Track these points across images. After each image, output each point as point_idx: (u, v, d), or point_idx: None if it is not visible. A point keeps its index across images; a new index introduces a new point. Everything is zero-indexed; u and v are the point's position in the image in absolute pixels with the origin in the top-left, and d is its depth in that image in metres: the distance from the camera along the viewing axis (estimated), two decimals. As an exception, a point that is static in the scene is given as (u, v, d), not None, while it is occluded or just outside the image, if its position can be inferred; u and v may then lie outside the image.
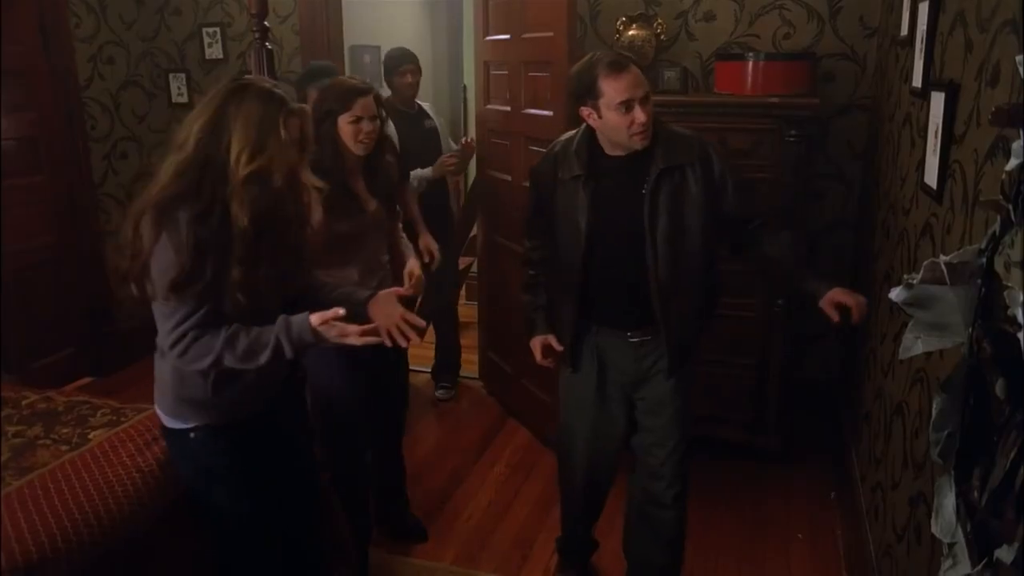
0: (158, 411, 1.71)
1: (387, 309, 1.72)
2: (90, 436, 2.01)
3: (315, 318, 1.55)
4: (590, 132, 1.95)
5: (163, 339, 1.57)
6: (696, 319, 2.02)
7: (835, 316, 1.82)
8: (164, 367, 1.65)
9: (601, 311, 2.02)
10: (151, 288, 1.51)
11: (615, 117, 1.83)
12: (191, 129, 1.53)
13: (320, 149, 2.01)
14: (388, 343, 1.68)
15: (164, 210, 1.49)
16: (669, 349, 1.98)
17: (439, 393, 3.73)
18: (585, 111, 1.89)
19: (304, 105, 1.67)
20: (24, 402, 2.23)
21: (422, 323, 1.74)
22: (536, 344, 2.12)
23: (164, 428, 1.72)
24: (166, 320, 1.55)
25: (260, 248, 1.54)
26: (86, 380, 3.80)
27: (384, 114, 2.21)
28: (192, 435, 1.66)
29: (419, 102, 3.46)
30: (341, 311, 1.56)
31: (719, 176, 1.94)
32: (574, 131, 2.03)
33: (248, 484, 1.72)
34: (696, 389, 2.20)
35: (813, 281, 1.91)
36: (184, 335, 1.53)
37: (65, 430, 2.05)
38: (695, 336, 2.05)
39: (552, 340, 2.09)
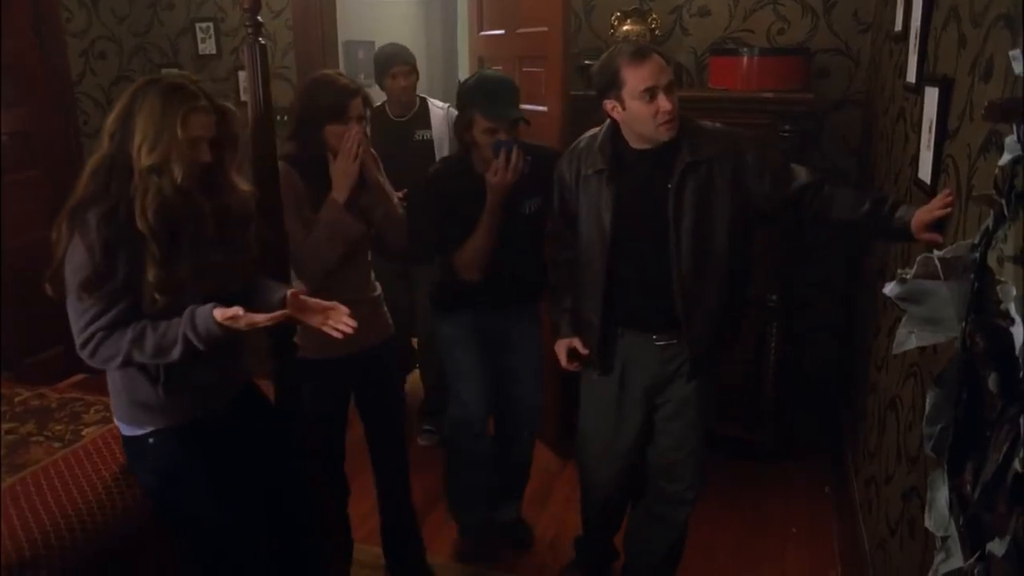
0: (115, 419, 1.70)
1: (306, 306, 1.69)
2: (83, 433, 2.01)
3: (218, 313, 1.52)
4: (614, 127, 1.92)
5: (75, 338, 1.56)
6: (721, 318, 1.95)
7: (938, 239, 1.51)
8: (114, 373, 1.64)
9: (625, 312, 1.98)
10: (64, 288, 1.54)
11: (639, 106, 1.79)
12: (104, 126, 1.56)
13: (304, 149, 2.03)
14: (338, 335, 1.67)
15: (75, 211, 1.52)
16: (692, 350, 1.94)
17: (422, 439, 3.30)
18: (609, 104, 1.86)
19: (228, 105, 1.66)
20: (17, 399, 2.22)
21: (345, 308, 1.69)
22: (561, 347, 2.09)
23: (122, 437, 1.71)
24: (77, 319, 1.55)
25: (177, 245, 1.54)
26: (79, 377, 3.77)
27: (368, 113, 2.13)
28: (150, 440, 1.65)
29: (432, 102, 3.15)
30: (240, 310, 1.52)
31: (756, 170, 1.86)
32: (598, 128, 1.99)
33: (212, 486, 1.69)
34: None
35: (893, 222, 1.65)
36: (93, 335, 1.54)
37: (58, 427, 2.05)
38: (720, 336, 1.98)
39: (577, 343, 2.06)
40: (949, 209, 1.48)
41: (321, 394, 2.12)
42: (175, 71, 1.64)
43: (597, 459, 2.15)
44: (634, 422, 2.05)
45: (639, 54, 1.80)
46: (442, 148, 3.06)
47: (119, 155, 1.54)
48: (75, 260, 1.51)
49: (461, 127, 2.20)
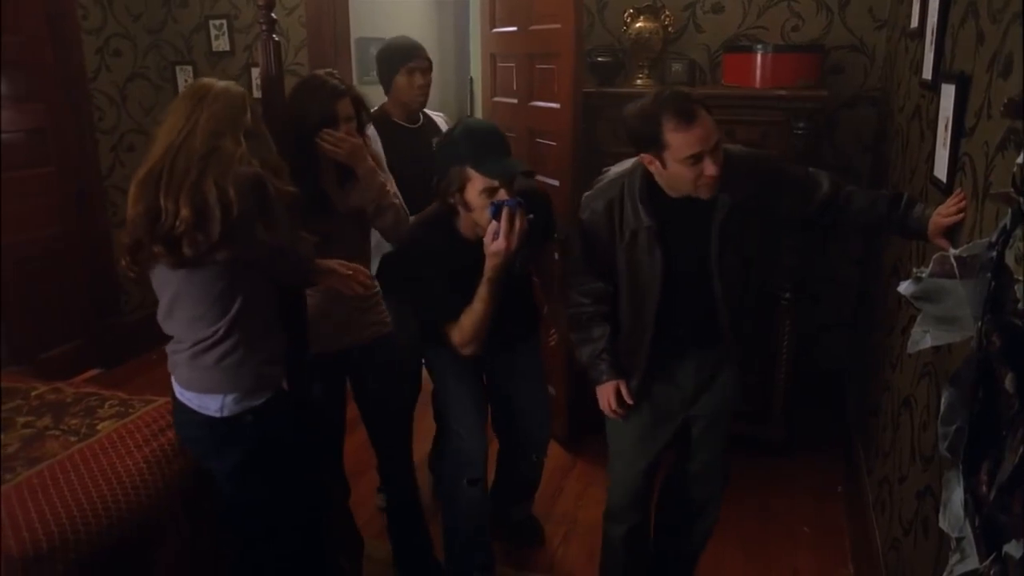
0: (214, 402, 1.67)
1: (333, 268, 1.85)
2: (98, 427, 2.02)
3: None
4: (648, 176, 1.76)
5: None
6: (753, 319, 1.98)
7: (949, 247, 1.47)
8: (228, 346, 1.64)
9: (670, 339, 1.88)
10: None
11: (683, 170, 1.65)
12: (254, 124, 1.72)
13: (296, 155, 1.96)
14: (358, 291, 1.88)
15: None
16: (734, 351, 1.92)
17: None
18: (647, 159, 1.70)
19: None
20: (33, 393, 2.24)
21: (363, 268, 1.90)
22: (607, 392, 1.89)
23: (214, 421, 1.68)
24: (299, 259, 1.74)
25: None
26: (94, 372, 3.82)
27: (364, 117, 2.06)
28: (249, 417, 1.69)
29: (428, 112, 2.71)
30: None
31: (785, 192, 1.82)
32: (624, 170, 1.83)
33: (280, 470, 1.78)
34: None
35: (909, 222, 1.66)
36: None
37: (74, 421, 2.06)
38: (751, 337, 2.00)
39: (624, 388, 1.88)
40: (963, 215, 1.49)
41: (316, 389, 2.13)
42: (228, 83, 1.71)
43: (628, 487, 2.05)
44: (661, 442, 1.99)
45: (686, 116, 1.61)
46: None
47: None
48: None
49: (449, 188, 1.91)
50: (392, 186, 2.15)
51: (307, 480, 1.94)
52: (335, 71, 2.09)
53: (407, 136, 2.53)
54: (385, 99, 2.61)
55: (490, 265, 1.87)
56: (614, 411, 1.90)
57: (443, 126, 2.72)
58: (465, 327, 1.96)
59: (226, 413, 1.68)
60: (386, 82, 2.57)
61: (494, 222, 1.82)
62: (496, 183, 1.84)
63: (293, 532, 1.89)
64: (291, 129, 1.97)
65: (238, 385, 1.68)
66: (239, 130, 1.60)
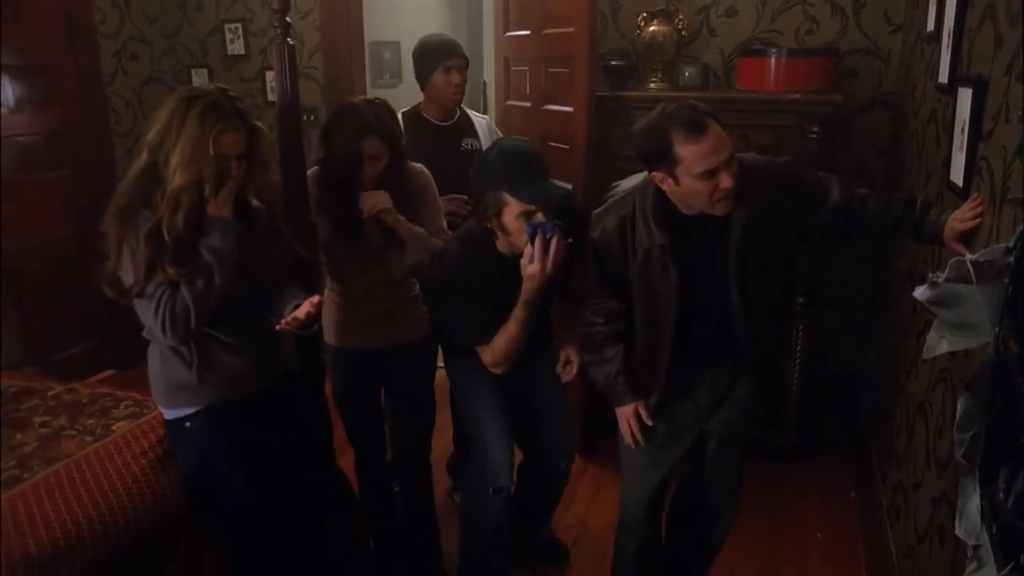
0: (158, 404, 1.82)
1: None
2: (113, 428, 2.04)
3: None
4: (662, 194, 1.70)
5: (153, 325, 1.64)
6: (773, 330, 1.92)
7: (966, 252, 1.42)
8: (153, 355, 1.77)
9: (687, 356, 1.83)
10: (122, 290, 1.64)
11: (697, 184, 1.59)
12: (146, 137, 1.64)
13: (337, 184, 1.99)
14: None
15: (126, 214, 1.61)
16: (749, 362, 1.88)
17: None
18: (658, 177, 1.64)
19: (259, 124, 1.68)
20: (50, 393, 2.27)
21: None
22: (629, 413, 1.85)
23: (165, 422, 1.83)
24: (146, 310, 1.64)
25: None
26: (109, 372, 3.84)
27: (401, 154, 2.03)
28: (187, 424, 1.75)
29: (470, 112, 2.74)
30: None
31: (800, 200, 1.75)
32: (635, 186, 1.78)
33: (244, 471, 1.76)
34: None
35: (925, 226, 1.62)
36: (164, 316, 1.61)
37: (89, 421, 2.09)
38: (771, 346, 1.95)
39: (643, 409, 1.84)
40: (979, 220, 1.46)
41: (343, 383, 2.17)
42: (212, 85, 1.69)
43: (643, 508, 2.02)
44: (678, 449, 1.96)
45: (696, 129, 1.55)
46: None
47: (157, 167, 1.61)
48: (127, 265, 1.61)
49: (486, 212, 1.87)
50: (441, 220, 2.15)
51: (308, 482, 1.93)
52: (380, 100, 2.03)
53: (436, 133, 2.54)
54: (404, 99, 2.67)
55: (527, 288, 1.84)
56: (633, 435, 1.87)
57: (484, 129, 2.73)
58: (498, 348, 1.92)
59: (168, 417, 1.79)
60: (423, 80, 2.60)
61: (530, 246, 1.79)
62: (533, 207, 1.81)
63: (292, 534, 1.88)
64: (326, 162, 2.01)
65: (158, 395, 1.79)
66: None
